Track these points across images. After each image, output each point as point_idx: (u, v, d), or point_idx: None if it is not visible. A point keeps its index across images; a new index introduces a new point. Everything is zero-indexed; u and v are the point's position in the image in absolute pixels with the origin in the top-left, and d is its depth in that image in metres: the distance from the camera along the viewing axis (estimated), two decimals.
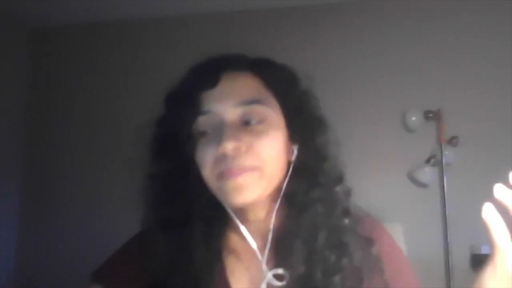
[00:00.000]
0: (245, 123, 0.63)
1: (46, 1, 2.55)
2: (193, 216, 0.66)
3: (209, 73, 0.64)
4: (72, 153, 2.69)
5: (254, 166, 0.62)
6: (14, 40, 2.75)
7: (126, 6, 2.61)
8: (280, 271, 0.64)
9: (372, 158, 2.31)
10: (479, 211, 0.58)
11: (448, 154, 2.28)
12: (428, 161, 2.30)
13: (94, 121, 2.71)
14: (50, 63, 2.83)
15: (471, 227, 2.27)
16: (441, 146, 2.29)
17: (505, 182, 0.58)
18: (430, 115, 2.33)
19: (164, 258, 0.65)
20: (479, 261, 2.18)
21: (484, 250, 2.18)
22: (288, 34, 2.52)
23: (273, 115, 0.65)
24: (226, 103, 0.63)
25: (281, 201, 0.66)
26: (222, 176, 0.61)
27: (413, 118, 2.33)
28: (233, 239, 0.69)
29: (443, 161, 2.28)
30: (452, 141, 2.29)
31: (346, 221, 0.67)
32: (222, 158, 0.61)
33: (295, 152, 0.66)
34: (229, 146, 0.60)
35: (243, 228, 0.65)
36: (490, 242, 0.56)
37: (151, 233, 0.68)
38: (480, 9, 2.40)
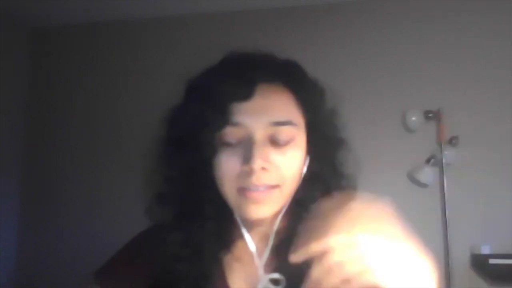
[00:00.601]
0: (273, 142, 0.63)
1: (46, 1, 2.55)
2: (198, 216, 0.65)
3: (242, 82, 0.62)
4: (72, 153, 2.69)
5: (275, 185, 0.62)
6: (14, 40, 2.75)
7: (126, 6, 2.61)
8: (276, 275, 0.64)
9: (372, 158, 2.31)
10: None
11: (448, 154, 2.28)
12: (428, 161, 2.30)
13: (94, 121, 2.71)
14: (50, 63, 2.83)
15: (471, 227, 2.27)
16: (441, 146, 2.29)
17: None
18: (430, 115, 2.33)
19: (165, 257, 0.65)
20: (479, 261, 2.18)
21: (484, 250, 2.18)
22: (288, 34, 2.52)
23: (299, 135, 0.65)
24: (259, 120, 0.62)
25: (290, 207, 0.66)
26: (244, 191, 0.61)
27: (413, 118, 2.33)
28: (235, 241, 0.69)
29: (443, 161, 2.28)
30: (452, 141, 2.29)
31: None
32: (246, 174, 0.61)
33: (307, 163, 0.66)
34: (257, 164, 0.60)
35: (244, 231, 0.65)
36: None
37: (152, 232, 0.69)
38: (480, 9, 2.40)
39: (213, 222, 0.66)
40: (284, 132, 0.63)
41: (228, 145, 0.62)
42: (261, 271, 0.64)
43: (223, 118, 0.61)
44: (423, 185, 2.32)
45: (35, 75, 2.83)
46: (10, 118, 2.67)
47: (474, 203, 2.25)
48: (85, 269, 0.75)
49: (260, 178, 0.60)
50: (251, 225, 0.66)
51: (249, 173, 0.60)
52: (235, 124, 0.62)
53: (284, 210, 0.65)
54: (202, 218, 0.65)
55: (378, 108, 2.41)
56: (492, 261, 2.10)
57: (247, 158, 0.60)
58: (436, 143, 2.34)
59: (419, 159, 2.32)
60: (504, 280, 2.10)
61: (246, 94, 0.62)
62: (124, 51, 2.75)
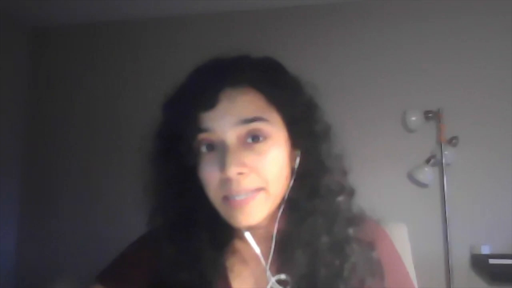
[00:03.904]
0: (247, 142, 0.62)
1: (46, 1, 2.55)
2: (198, 221, 0.65)
3: (207, 92, 0.62)
4: (72, 153, 2.69)
5: (259, 188, 0.61)
6: (14, 40, 2.75)
7: (126, 6, 2.61)
8: (283, 276, 0.64)
9: (372, 158, 2.31)
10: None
11: (448, 154, 2.28)
12: (428, 161, 2.30)
13: (94, 121, 2.71)
14: (50, 63, 2.83)
15: (471, 227, 2.27)
16: (441, 146, 2.29)
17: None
18: (430, 115, 2.33)
19: (168, 262, 0.65)
20: (479, 261, 2.18)
21: (484, 250, 2.18)
22: (288, 34, 2.52)
23: (275, 131, 0.63)
24: (225, 122, 0.61)
25: (284, 206, 0.65)
26: (227, 200, 0.61)
27: (413, 118, 2.33)
28: (237, 244, 0.69)
29: (443, 161, 2.28)
30: (452, 141, 2.29)
31: (350, 230, 0.66)
32: (226, 182, 0.60)
33: (298, 158, 0.65)
34: (232, 171, 0.59)
35: (247, 234, 0.65)
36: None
37: (155, 236, 0.68)
38: (480, 9, 2.40)
39: (210, 227, 0.66)
40: (256, 129, 0.62)
41: (206, 151, 0.63)
42: (268, 272, 0.64)
43: (194, 127, 0.62)
44: (423, 185, 2.32)
45: (35, 75, 2.83)
46: (10, 118, 2.66)
47: (474, 203, 2.25)
48: (85, 269, 0.75)
49: (240, 184, 0.60)
50: (250, 228, 0.65)
51: (227, 181, 0.60)
52: (205, 130, 0.62)
53: (281, 209, 0.65)
54: (198, 225, 0.65)
55: (378, 108, 2.41)
56: (492, 261, 2.10)
57: (221, 166, 0.59)
58: (436, 143, 2.34)
59: (419, 159, 2.32)
60: (504, 280, 2.10)
61: (210, 103, 0.62)
62: (124, 51, 2.75)
